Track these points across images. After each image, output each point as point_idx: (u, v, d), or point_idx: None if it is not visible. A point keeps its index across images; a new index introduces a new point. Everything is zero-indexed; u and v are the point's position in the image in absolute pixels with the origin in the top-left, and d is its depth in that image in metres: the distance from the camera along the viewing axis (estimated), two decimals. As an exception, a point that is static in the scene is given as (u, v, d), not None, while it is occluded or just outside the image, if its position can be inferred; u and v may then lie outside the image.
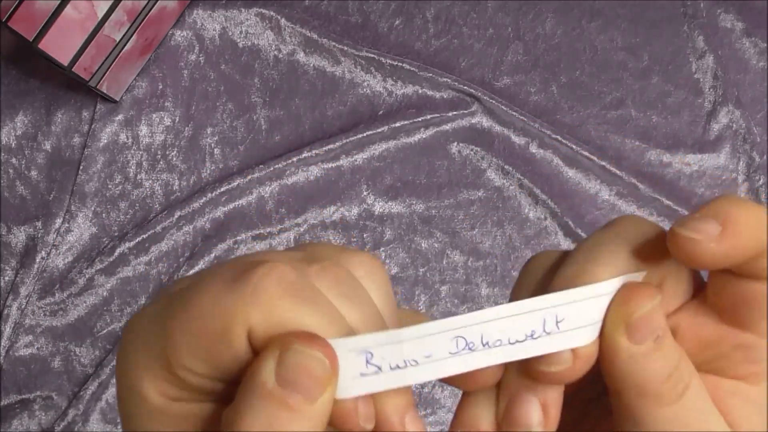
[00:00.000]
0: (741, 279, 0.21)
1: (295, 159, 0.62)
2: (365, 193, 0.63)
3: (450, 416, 0.60)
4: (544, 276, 0.22)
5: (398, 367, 0.19)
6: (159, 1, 0.60)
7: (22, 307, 0.60)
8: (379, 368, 0.19)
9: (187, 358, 0.18)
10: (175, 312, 0.19)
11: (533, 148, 0.64)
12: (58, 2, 0.53)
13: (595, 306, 0.21)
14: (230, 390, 0.19)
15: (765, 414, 0.22)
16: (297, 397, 0.18)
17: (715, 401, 0.21)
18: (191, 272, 0.61)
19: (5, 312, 0.60)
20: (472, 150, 0.64)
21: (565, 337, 0.20)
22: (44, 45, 0.53)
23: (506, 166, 0.64)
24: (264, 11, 0.65)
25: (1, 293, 0.61)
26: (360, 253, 0.22)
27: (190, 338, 0.18)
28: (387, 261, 0.62)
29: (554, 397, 0.21)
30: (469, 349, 0.20)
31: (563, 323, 0.20)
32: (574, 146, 0.63)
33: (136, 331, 0.20)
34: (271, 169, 0.62)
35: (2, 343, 0.59)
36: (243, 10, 0.65)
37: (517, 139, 0.64)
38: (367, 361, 0.19)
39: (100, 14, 0.55)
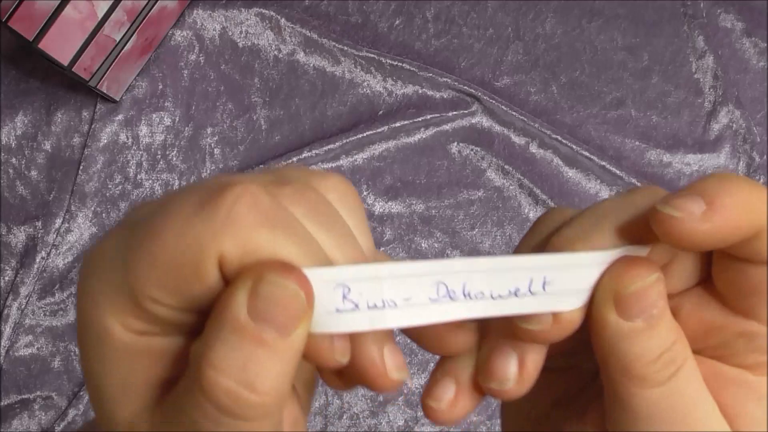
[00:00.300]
0: (741, 263, 0.20)
1: (295, 159, 0.62)
2: (365, 193, 0.63)
3: (450, 416, 0.60)
4: (549, 234, 0.21)
5: (376, 306, 0.18)
6: (159, 1, 0.60)
7: (22, 307, 0.60)
8: (357, 305, 0.18)
9: (154, 289, 0.17)
10: (141, 240, 0.17)
11: (533, 148, 0.64)
12: (58, 2, 0.53)
13: (587, 274, 0.20)
14: (200, 322, 0.18)
15: None
16: (270, 332, 0.17)
17: (716, 390, 0.21)
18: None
19: (5, 312, 0.60)
20: (472, 150, 0.64)
21: (549, 300, 0.19)
22: (44, 45, 0.53)
23: (506, 166, 0.64)
24: (264, 11, 0.65)
25: (1, 293, 0.61)
26: (332, 175, 0.21)
27: (157, 268, 0.17)
28: (387, 261, 0.62)
29: (534, 356, 0.20)
30: (450, 297, 0.19)
31: (550, 286, 0.19)
32: (574, 146, 0.63)
33: (97, 263, 0.18)
34: (271, 169, 0.62)
35: (2, 343, 0.59)
36: (243, 10, 0.65)
37: (517, 139, 0.64)
38: (344, 297, 0.18)
39: (100, 14, 0.55)
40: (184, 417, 0.17)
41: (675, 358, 0.20)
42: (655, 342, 0.20)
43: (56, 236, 0.61)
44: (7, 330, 0.59)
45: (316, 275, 0.17)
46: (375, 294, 0.18)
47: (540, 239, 0.22)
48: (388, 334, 0.19)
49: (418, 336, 0.21)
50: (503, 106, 0.64)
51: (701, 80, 0.67)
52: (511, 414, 0.25)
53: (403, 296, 0.19)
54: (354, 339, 0.19)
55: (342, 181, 0.21)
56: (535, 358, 0.20)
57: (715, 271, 0.21)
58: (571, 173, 0.64)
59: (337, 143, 0.62)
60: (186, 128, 0.64)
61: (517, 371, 0.21)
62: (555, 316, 0.20)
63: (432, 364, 0.61)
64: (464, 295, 0.19)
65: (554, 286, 0.19)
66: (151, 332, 0.18)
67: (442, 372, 0.21)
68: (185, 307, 0.18)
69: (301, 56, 0.66)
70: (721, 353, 0.21)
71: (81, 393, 0.59)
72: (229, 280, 0.17)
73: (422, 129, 0.64)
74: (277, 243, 0.17)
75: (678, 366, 0.20)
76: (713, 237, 0.19)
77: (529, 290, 0.19)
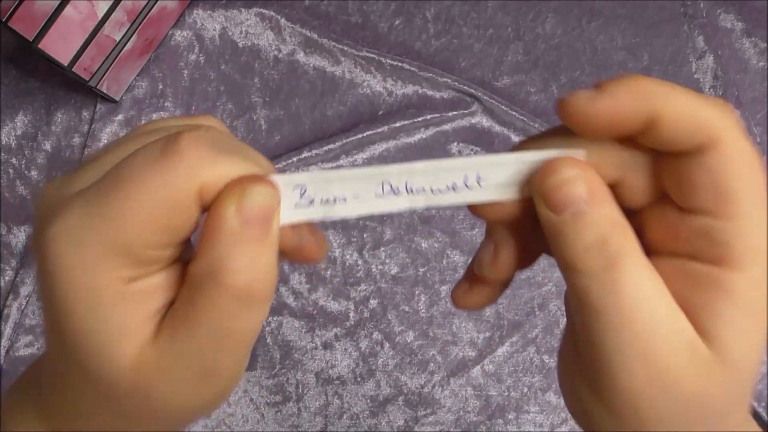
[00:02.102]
0: (678, 162, 0.21)
1: (295, 159, 0.62)
2: (365, 193, 0.63)
3: (450, 416, 0.60)
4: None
5: (328, 201, 0.23)
6: (159, 1, 0.60)
7: (22, 307, 0.60)
8: (312, 201, 0.22)
9: (148, 234, 0.20)
10: (121, 197, 0.20)
11: (533, 148, 0.64)
12: (58, 2, 0.53)
13: (516, 171, 0.23)
14: (178, 252, 0.22)
15: (753, 308, 0.21)
16: (257, 230, 0.20)
17: (688, 291, 0.21)
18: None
19: (5, 312, 0.60)
20: (472, 150, 0.64)
21: (485, 192, 0.23)
22: (44, 45, 0.53)
23: (506, 166, 0.64)
24: (264, 11, 0.65)
25: (1, 293, 0.61)
26: (206, 116, 0.26)
27: (147, 215, 0.20)
28: (387, 261, 0.62)
29: (506, 248, 0.25)
30: (394, 193, 0.23)
31: (484, 181, 0.23)
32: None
33: (70, 236, 0.20)
34: (271, 169, 0.62)
35: (2, 343, 0.59)
36: (243, 10, 0.65)
37: (517, 139, 0.64)
38: (301, 194, 0.22)
39: (100, 14, 0.55)
40: (197, 326, 0.21)
41: (610, 250, 0.21)
42: (584, 233, 0.21)
43: (56, 236, 0.61)
44: (7, 330, 0.59)
45: (278, 180, 0.22)
46: (326, 192, 0.22)
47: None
48: (312, 226, 0.24)
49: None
50: (503, 106, 0.64)
51: (701, 80, 0.67)
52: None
53: (352, 193, 0.23)
54: (297, 228, 0.23)
55: (215, 120, 0.27)
56: (507, 249, 0.25)
57: (664, 179, 0.22)
58: (571, 173, 0.64)
59: (337, 143, 0.62)
60: (186, 128, 0.64)
61: (492, 258, 0.25)
62: (489, 205, 0.24)
63: (432, 365, 0.61)
64: (407, 191, 0.23)
65: (488, 181, 0.23)
66: (143, 275, 0.21)
67: (465, 273, 0.27)
68: (171, 243, 0.21)
69: (301, 56, 0.66)
70: (692, 256, 0.22)
71: (81, 393, 0.59)
72: (205, 208, 0.21)
73: (422, 129, 0.64)
74: (237, 165, 0.21)
75: (615, 258, 0.21)
76: (605, 119, 0.21)
77: (465, 185, 0.23)
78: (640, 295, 0.21)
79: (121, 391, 0.22)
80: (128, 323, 0.21)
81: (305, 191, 0.23)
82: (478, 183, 0.23)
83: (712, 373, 0.21)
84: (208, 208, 0.21)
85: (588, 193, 0.21)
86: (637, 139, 0.22)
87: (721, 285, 0.21)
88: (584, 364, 0.22)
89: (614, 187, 0.23)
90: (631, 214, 0.23)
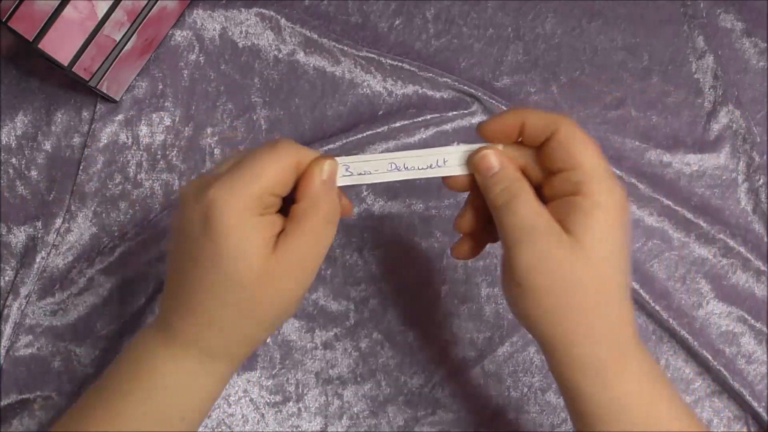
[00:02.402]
0: (544, 146, 0.39)
1: (295, 159, 0.62)
2: (365, 193, 0.63)
3: (450, 416, 0.60)
4: None
5: (360, 173, 0.41)
6: (159, 1, 0.60)
7: (22, 307, 0.60)
8: (351, 173, 0.41)
9: (270, 187, 0.37)
10: (256, 168, 0.37)
11: (533, 148, 0.64)
12: (58, 2, 0.53)
13: (464, 156, 0.41)
14: (280, 203, 0.39)
15: (599, 218, 0.37)
16: (330, 184, 0.39)
17: (563, 214, 0.38)
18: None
19: (5, 312, 0.60)
20: (472, 150, 0.64)
21: (447, 170, 0.41)
22: (44, 45, 0.53)
23: (506, 166, 0.63)
24: (264, 11, 0.65)
25: (1, 293, 0.61)
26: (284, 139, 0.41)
27: (269, 177, 0.37)
28: (387, 261, 0.62)
29: (465, 209, 0.43)
30: (398, 169, 0.41)
31: (447, 163, 0.41)
32: (574, 146, 0.63)
33: (225, 193, 0.36)
34: (271, 169, 0.62)
35: (2, 343, 0.59)
36: (243, 10, 0.65)
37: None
38: (346, 169, 0.41)
39: (100, 14, 0.55)
40: (303, 239, 0.38)
41: (511, 191, 0.39)
42: (497, 183, 0.39)
43: (56, 236, 0.61)
44: (7, 330, 0.59)
45: (336, 159, 0.40)
46: (359, 168, 0.41)
47: None
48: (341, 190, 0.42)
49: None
50: (503, 106, 0.64)
51: (701, 80, 0.67)
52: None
53: (374, 169, 0.41)
54: (339, 192, 0.41)
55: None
56: (466, 211, 0.43)
57: (544, 160, 0.40)
58: (571, 173, 0.64)
59: (337, 143, 0.62)
60: (186, 128, 0.64)
61: (457, 217, 0.43)
62: (450, 177, 0.42)
63: (432, 365, 0.61)
64: (405, 168, 0.41)
65: (448, 163, 0.41)
66: (266, 212, 0.38)
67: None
68: (281, 194, 0.38)
69: (301, 56, 0.66)
70: (564, 195, 0.38)
71: (81, 393, 0.59)
72: (298, 175, 0.39)
73: (422, 129, 0.64)
74: (312, 152, 0.39)
75: (513, 195, 0.38)
76: (495, 130, 0.40)
77: (437, 165, 0.41)
78: (527, 212, 0.38)
79: (254, 287, 0.37)
80: (260, 240, 0.37)
81: (348, 167, 0.41)
82: (444, 164, 0.41)
83: (573, 253, 0.37)
84: (300, 176, 0.39)
85: (498, 162, 0.40)
86: (524, 141, 0.40)
87: (578, 206, 0.37)
88: (506, 264, 0.38)
89: (524, 171, 0.40)
90: (539, 186, 0.40)
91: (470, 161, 0.40)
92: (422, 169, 0.40)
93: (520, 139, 0.40)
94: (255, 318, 0.38)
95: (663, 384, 0.40)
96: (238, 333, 0.39)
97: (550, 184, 0.39)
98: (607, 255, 0.37)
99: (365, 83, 0.65)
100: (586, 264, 0.37)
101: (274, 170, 0.37)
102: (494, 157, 0.39)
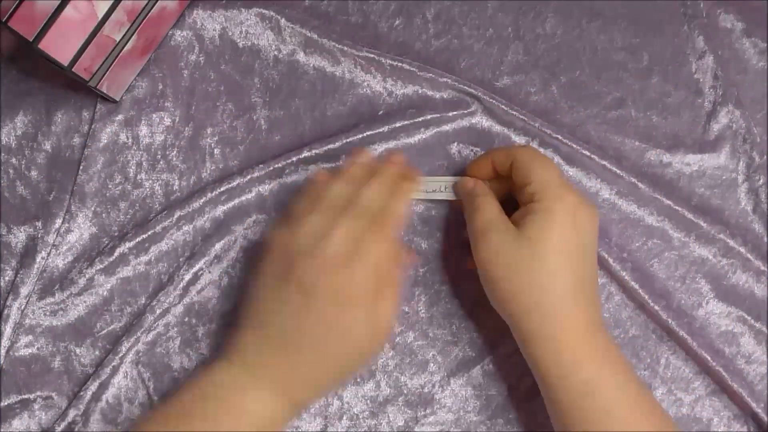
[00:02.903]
0: (511, 171, 0.53)
1: (294, 159, 0.62)
2: (365, 193, 0.63)
3: (450, 416, 0.60)
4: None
5: (426, 192, 0.59)
6: (159, 1, 0.60)
7: (22, 307, 0.60)
8: (426, 191, 0.59)
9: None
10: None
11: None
12: (58, 2, 0.53)
13: (453, 185, 0.58)
14: None
15: (547, 218, 0.48)
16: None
17: (522, 219, 0.49)
18: (192, 270, 0.61)
19: (5, 312, 0.60)
20: (472, 150, 0.64)
21: (448, 195, 0.59)
22: (44, 45, 0.53)
23: (506, 166, 0.63)
24: (264, 11, 0.65)
25: (1, 293, 0.61)
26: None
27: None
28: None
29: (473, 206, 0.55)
30: (434, 192, 0.59)
31: (447, 188, 0.59)
32: (574, 145, 0.63)
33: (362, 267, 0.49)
34: (271, 168, 0.62)
35: (2, 343, 0.59)
36: (243, 10, 0.65)
37: (518, 139, 0.64)
38: (423, 188, 0.59)
39: (100, 14, 0.55)
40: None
41: (477, 201, 0.53)
42: (469, 198, 0.54)
43: (56, 236, 0.61)
44: (7, 330, 0.59)
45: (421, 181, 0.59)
46: (428, 187, 0.59)
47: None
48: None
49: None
50: (503, 106, 0.64)
51: (701, 80, 0.67)
52: None
53: (432, 189, 0.59)
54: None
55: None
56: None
57: (512, 183, 0.54)
58: (571, 172, 0.64)
59: (337, 143, 0.62)
60: (186, 128, 0.64)
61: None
62: (474, 166, 0.56)
63: (432, 365, 0.61)
64: (441, 191, 0.59)
65: (448, 188, 0.58)
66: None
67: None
68: None
69: (301, 56, 0.66)
70: (526, 203, 0.51)
71: (81, 393, 0.59)
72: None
73: (422, 129, 0.64)
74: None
75: (479, 205, 0.52)
76: (475, 169, 0.57)
77: (443, 190, 0.59)
78: (487, 216, 0.51)
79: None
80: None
81: (424, 186, 0.59)
82: (446, 190, 0.59)
83: (523, 246, 0.48)
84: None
85: (472, 183, 0.56)
86: (498, 171, 0.55)
87: (532, 210, 0.49)
88: (475, 257, 0.51)
89: (505, 196, 0.55)
90: (512, 199, 0.54)
91: (456, 188, 0.58)
92: (435, 192, 0.59)
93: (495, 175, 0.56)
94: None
95: (619, 363, 0.49)
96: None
97: (521, 199, 0.52)
98: (553, 249, 0.47)
99: (365, 83, 0.65)
100: (532, 255, 0.47)
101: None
102: (470, 181, 0.56)
